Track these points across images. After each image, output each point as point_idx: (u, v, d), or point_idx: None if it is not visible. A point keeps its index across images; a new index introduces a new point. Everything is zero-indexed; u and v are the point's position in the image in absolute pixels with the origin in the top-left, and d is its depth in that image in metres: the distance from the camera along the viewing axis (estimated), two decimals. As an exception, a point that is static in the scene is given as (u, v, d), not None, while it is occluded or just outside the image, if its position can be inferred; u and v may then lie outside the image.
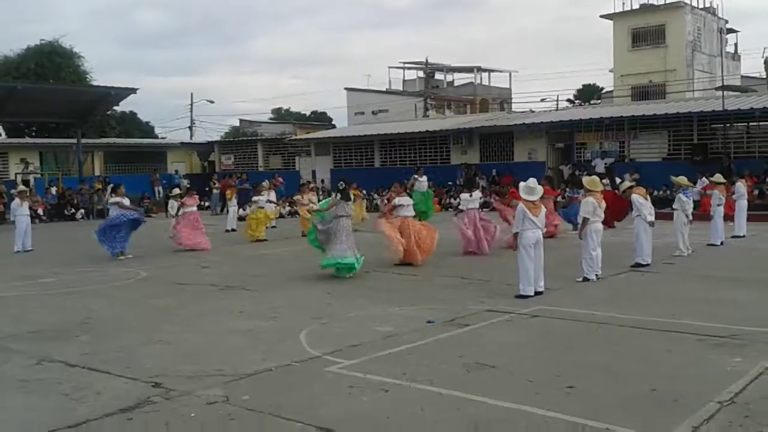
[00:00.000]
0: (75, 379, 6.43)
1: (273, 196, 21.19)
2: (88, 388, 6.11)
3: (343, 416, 5.23)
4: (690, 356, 6.72)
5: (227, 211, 23.32)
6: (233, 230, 21.52)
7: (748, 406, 5.25)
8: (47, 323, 8.95)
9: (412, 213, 13.57)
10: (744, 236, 16.05)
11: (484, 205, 23.71)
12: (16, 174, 34.25)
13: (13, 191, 22.81)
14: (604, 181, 22.41)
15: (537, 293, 9.78)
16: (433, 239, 13.35)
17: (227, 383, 6.10)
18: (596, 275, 11.05)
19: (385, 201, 17.68)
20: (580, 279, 10.95)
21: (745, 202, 16.36)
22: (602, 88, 54.95)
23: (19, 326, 8.80)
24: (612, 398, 5.50)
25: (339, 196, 12.29)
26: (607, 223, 18.63)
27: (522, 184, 10.06)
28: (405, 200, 13.45)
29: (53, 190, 31.61)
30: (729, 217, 16.17)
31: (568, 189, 23.31)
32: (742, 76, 45.41)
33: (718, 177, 16.16)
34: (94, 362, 6.94)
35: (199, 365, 6.69)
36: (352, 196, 12.75)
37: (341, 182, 12.94)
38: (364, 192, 29.90)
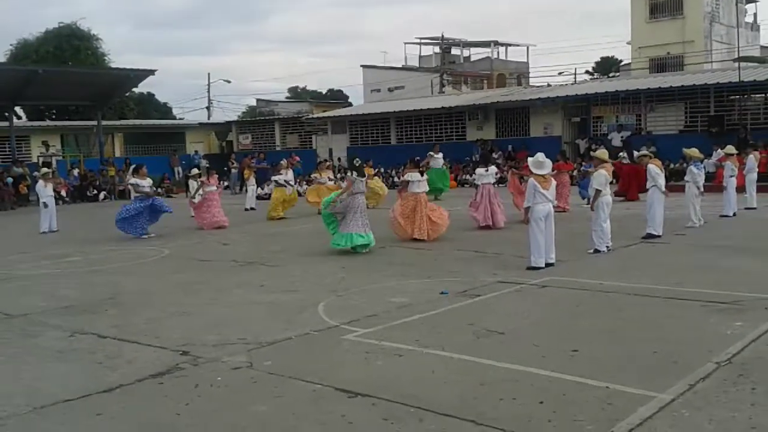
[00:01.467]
0: (107, 349, 6.83)
1: (291, 175, 21.49)
2: (120, 357, 6.51)
3: (359, 378, 5.57)
4: (692, 321, 6.99)
5: (246, 190, 23.71)
6: (252, 209, 21.92)
7: (743, 366, 5.52)
8: (77, 299, 9.37)
9: (426, 188, 13.78)
10: (755, 208, 16.16)
11: (500, 181, 24.01)
12: (38, 157, 34.89)
13: (36, 174, 23.31)
14: (621, 154, 22.62)
15: (548, 265, 10.06)
16: (443, 220, 13.59)
17: (250, 351, 6.47)
18: (607, 247, 11.28)
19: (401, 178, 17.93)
20: (591, 251, 11.19)
21: (755, 175, 16.46)
22: (621, 61, 54.66)
23: (51, 302, 9.23)
24: (614, 360, 5.79)
25: (355, 173, 12.58)
26: (632, 196, 19.02)
27: (531, 159, 10.30)
28: (416, 176, 13.66)
29: (75, 171, 32.20)
30: (742, 188, 16.30)
31: (584, 163, 23.47)
32: (762, 47, 44.89)
33: (730, 148, 16.27)
34: (124, 334, 7.34)
35: (223, 335, 7.07)
36: (365, 174, 13.04)
37: (356, 159, 13.20)
38: (381, 169, 30.22)
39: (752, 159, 16.55)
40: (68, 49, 43.45)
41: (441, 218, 13.46)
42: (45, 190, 18.37)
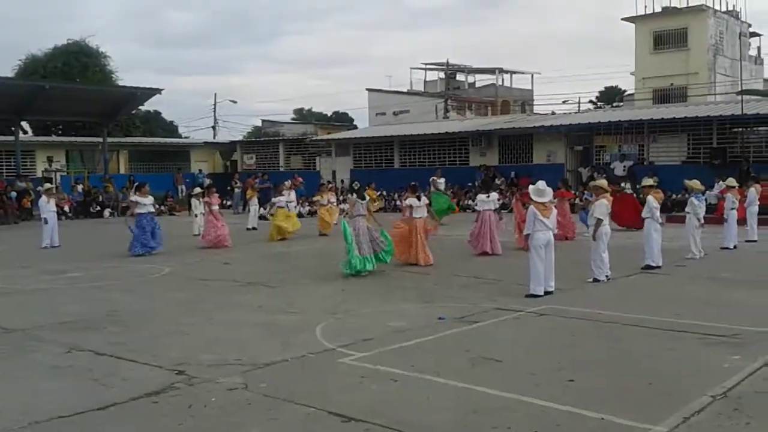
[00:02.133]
0: (103, 366, 6.84)
1: (293, 196, 21.58)
2: (115, 375, 6.51)
3: (353, 402, 5.56)
4: (689, 354, 6.97)
5: (248, 210, 23.80)
6: (254, 228, 21.96)
7: (739, 400, 5.51)
8: (76, 315, 9.38)
9: (424, 214, 13.85)
10: (756, 241, 16.16)
11: (502, 207, 24.07)
12: (42, 172, 35.02)
13: (40, 189, 23.39)
14: (625, 184, 22.65)
15: (547, 293, 10.05)
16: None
17: (246, 372, 6.47)
18: (606, 276, 11.28)
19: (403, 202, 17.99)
20: (591, 280, 11.19)
21: (756, 208, 16.49)
22: (624, 91, 54.93)
23: (49, 317, 9.23)
24: (609, 391, 5.78)
25: (355, 195, 12.66)
26: (637, 225, 18.92)
27: (531, 187, 10.34)
28: (415, 201, 13.72)
29: (79, 187, 32.31)
30: (743, 220, 16.30)
31: (585, 192, 23.49)
32: (765, 80, 45.19)
33: (731, 181, 16.31)
34: (121, 351, 7.34)
35: (219, 355, 7.07)
36: (366, 197, 13.09)
37: (356, 182, 13.29)
38: (384, 193, 30.32)
39: (753, 192, 16.57)
40: (76, 65, 43.78)
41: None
42: (47, 206, 18.44)
